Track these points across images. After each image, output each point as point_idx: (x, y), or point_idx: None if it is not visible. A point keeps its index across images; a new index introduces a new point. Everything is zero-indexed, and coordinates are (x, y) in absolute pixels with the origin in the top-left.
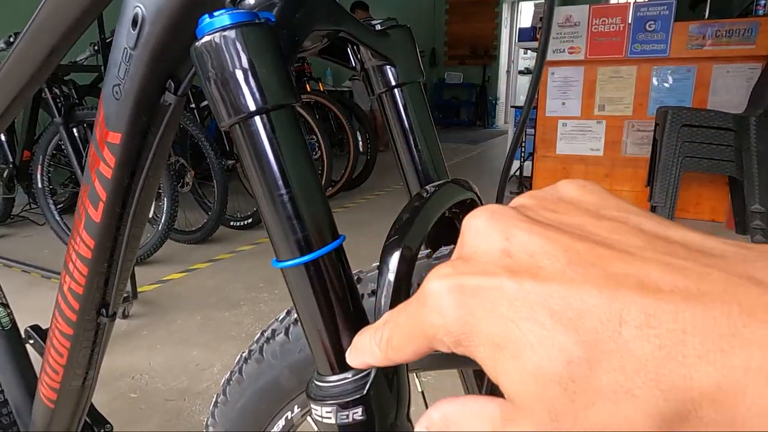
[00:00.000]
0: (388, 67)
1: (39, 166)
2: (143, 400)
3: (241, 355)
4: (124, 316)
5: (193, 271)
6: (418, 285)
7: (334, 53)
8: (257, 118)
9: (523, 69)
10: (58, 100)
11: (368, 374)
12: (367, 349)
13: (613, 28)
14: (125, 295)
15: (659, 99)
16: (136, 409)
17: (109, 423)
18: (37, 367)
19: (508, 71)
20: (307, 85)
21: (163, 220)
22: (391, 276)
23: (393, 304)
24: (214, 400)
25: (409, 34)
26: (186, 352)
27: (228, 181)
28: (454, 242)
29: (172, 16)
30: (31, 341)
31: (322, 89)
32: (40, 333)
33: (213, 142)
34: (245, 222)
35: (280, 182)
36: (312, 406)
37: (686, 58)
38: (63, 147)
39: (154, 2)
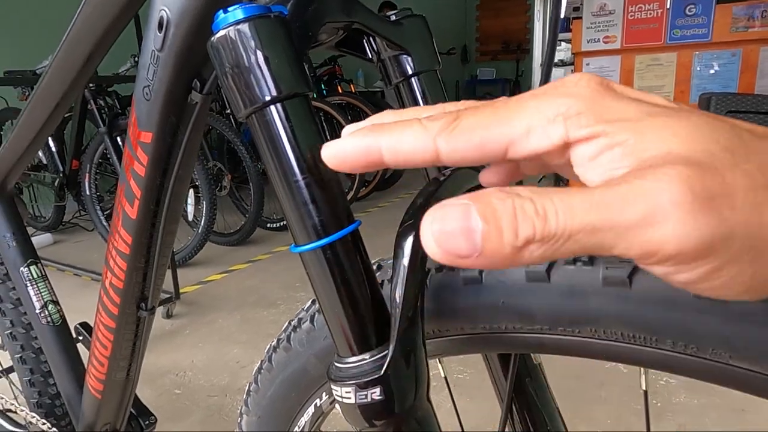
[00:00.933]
0: (403, 56)
1: (87, 175)
2: (187, 396)
3: (271, 345)
4: (168, 316)
5: (232, 272)
6: (439, 267)
7: (351, 45)
8: (271, 108)
9: (557, 61)
10: (102, 111)
11: (385, 355)
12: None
13: (650, 14)
14: (168, 296)
15: (702, 86)
16: (180, 405)
17: (153, 415)
18: (85, 362)
19: (542, 65)
20: (339, 87)
21: (202, 224)
22: (405, 260)
23: (407, 289)
24: (246, 388)
25: (423, 23)
26: (227, 350)
27: (264, 184)
28: None
29: (195, 16)
30: (81, 338)
31: (353, 90)
32: (89, 329)
33: (249, 146)
34: (281, 223)
35: (295, 169)
36: (332, 386)
37: (730, 42)
38: (108, 155)
39: (178, 4)
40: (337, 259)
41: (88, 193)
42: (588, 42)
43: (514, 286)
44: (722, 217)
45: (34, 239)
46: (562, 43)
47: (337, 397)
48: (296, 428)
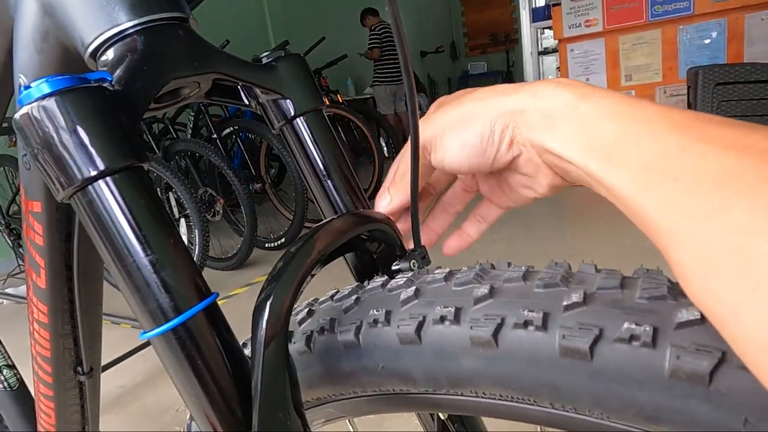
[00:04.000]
0: (282, 100)
1: None
2: None
3: (189, 414)
4: None
5: (231, 297)
6: (320, 330)
7: (223, 93)
8: (93, 186)
9: (541, 49)
10: None
11: None
12: None
13: None
14: None
15: (690, 60)
16: None
17: None
18: None
19: (532, 53)
20: (326, 99)
21: (196, 252)
22: (261, 338)
23: (267, 369)
24: (188, 414)
25: (300, 61)
26: None
27: (258, 203)
28: (380, 273)
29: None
30: None
31: (341, 100)
32: None
33: (237, 171)
34: (278, 242)
35: (130, 249)
36: None
37: (714, 12)
38: None
39: (32, 71)
40: (189, 342)
41: None
42: (570, 28)
43: (389, 349)
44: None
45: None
46: (545, 31)
47: None
48: None
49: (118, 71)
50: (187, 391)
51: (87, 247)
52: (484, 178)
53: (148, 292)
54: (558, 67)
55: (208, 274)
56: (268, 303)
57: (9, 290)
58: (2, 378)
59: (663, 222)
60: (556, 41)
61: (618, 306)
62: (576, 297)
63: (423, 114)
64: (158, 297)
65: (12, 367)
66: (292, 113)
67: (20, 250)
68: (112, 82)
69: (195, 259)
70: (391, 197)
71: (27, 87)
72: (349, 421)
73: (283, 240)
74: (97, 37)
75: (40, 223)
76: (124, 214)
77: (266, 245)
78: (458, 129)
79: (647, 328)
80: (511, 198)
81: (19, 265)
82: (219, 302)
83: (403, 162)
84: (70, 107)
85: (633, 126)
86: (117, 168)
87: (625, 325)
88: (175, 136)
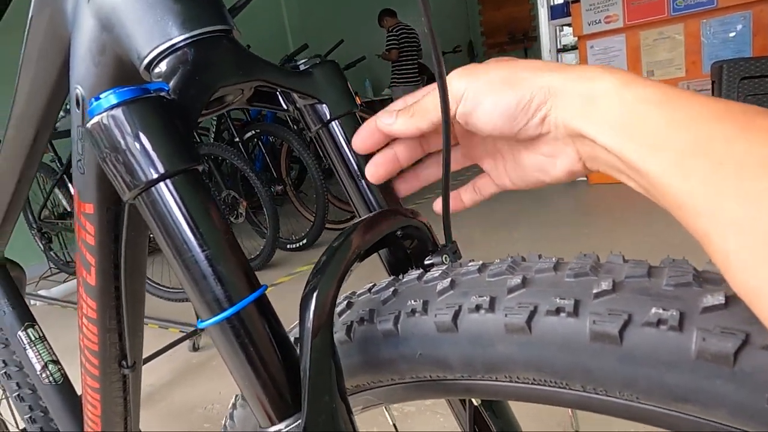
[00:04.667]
0: (318, 104)
1: None
2: (216, 429)
3: (231, 402)
4: (194, 349)
5: None
6: (359, 320)
7: (263, 99)
8: (155, 188)
9: (560, 47)
10: None
11: (299, 425)
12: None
13: None
14: (193, 329)
15: (714, 54)
16: None
17: None
18: None
19: (551, 51)
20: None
21: None
22: (309, 325)
23: (314, 354)
24: (231, 402)
25: (334, 68)
26: None
27: (279, 205)
28: (414, 267)
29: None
30: None
31: (359, 102)
32: None
33: (258, 172)
34: (300, 244)
35: (189, 244)
36: None
37: (738, 5)
38: None
39: (88, 82)
40: (243, 329)
41: None
42: (589, 24)
43: (426, 337)
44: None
45: (64, 286)
46: (564, 28)
47: None
48: None
49: (172, 81)
50: (240, 374)
51: (133, 248)
52: (491, 152)
53: (205, 284)
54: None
55: None
56: (315, 294)
57: (41, 292)
58: (48, 373)
59: (707, 206)
60: (576, 38)
61: (645, 293)
62: (605, 285)
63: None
64: (214, 289)
65: (57, 362)
66: (328, 117)
67: (51, 253)
68: (169, 92)
69: None
70: (395, 119)
71: (97, 98)
72: (385, 408)
73: (304, 241)
74: (152, 50)
75: (92, 224)
76: (182, 212)
77: (288, 246)
78: (500, 86)
79: (674, 313)
80: (516, 177)
81: (50, 268)
82: None
83: (428, 98)
84: (135, 116)
85: (675, 113)
86: (176, 171)
87: (653, 310)
88: (198, 140)
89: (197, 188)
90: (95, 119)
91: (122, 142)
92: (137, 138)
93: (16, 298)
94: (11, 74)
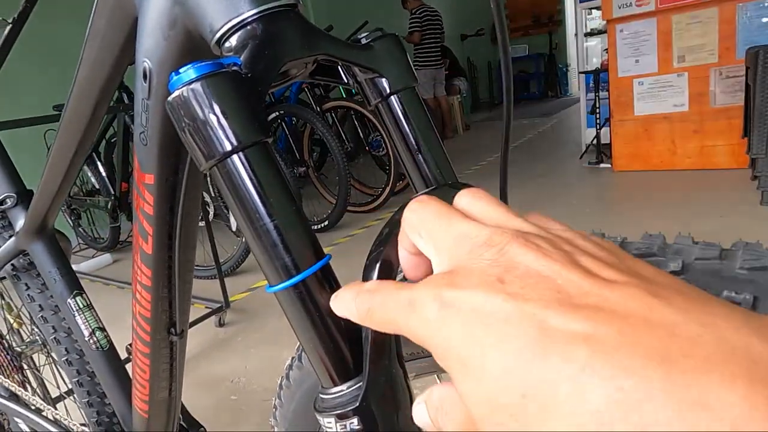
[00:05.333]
0: (378, 78)
1: None
2: (243, 402)
3: (287, 363)
4: (220, 325)
5: None
6: None
7: (325, 73)
8: (231, 159)
9: (587, 31)
10: None
11: (360, 386)
12: (348, 306)
13: None
14: (219, 305)
15: (749, 39)
16: (237, 410)
17: (203, 426)
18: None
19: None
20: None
21: None
22: None
23: None
24: (273, 403)
25: (395, 42)
26: (277, 354)
27: (301, 187)
28: None
29: (173, 65)
30: (131, 356)
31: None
32: None
33: (282, 153)
34: (322, 225)
35: (260, 213)
36: (317, 417)
37: None
38: None
39: (157, 56)
40: (308, 296)
41: None
42: (620, 8)
43: None
44: None
45: (94, 260)
46: (592, 11)
47: (323, 428)
48: None
49: (243, 56)
50: (305, 337)
51: (187, 219)
52: None
53: (274, 252)
54: (605, 49)
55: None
56: (378, 263)
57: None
58: (95, 339)
59: None
60: (604, 22)
61: (717, 275)
62: (674, 266)
63: (464, 97)
64: (283, 256)
65: (103, 329)
66: (388, 91)
67: (80, 229)
68: (241, 66)
69: (244, 240)
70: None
71: (177, 73)
72: (437, 377)
73: (326, 222)
74: (224, 24)
75: (151, 194)
76: (254, 183)
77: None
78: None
79: (747, 296)
80: None
81: (78, 243)
82: (265, 282)
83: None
84: (213, 90)
85: None
86: (249, 143)
87: (725, 293)
88: None
89: (269, 160)
90: (176, 93)
91: (201, 114)
92: (215, 111)
93: (65, 267)
94: (65, 53)
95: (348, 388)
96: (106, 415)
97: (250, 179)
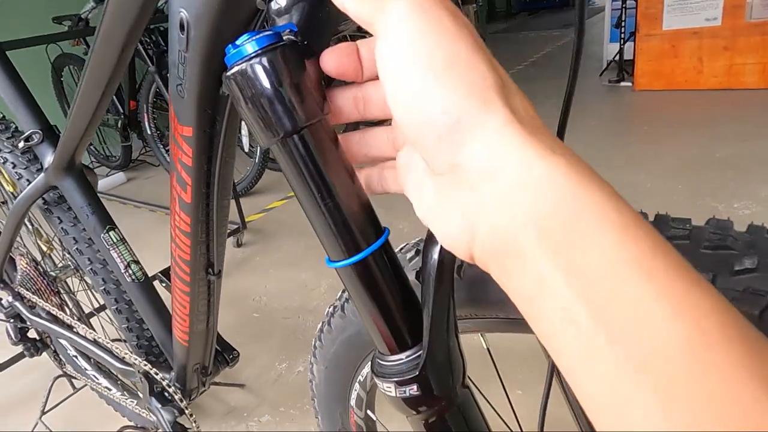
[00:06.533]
0: None
1: (145, 114)
2: (265, 319)
3: (328, 310)
4: (238, 245)
5: (291, 198)
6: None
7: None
8: (294, 137)
9: None
10: (148, 49)
11: (420, 356)
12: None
13: None
14: (236, 226)
15: None
16: (260, 327)
17: (236, 350)
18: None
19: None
20: None
21: (258, 153)
22: (432, 268)
23: (436, 293)
24: (312, 343)
25: None
26: (295, 274)
27: None
28: None
29: (213, 19)
30: (163, 284)
31: None
32: (168, 276)
33: None
34: None
35: (323, 191)
36: (376, 380)
37: None
38: (161, 93)
39: (195, 8)
40: (369, 272)
41: (149, 132)
42: None
43: None
44: None
45: (109, 179)
46: None
47: (381, 390)
48: (360, 377)
49: (296, 19)
50: (366, 310)
51: (224, 168)
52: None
53: (337, 229)
54: None
55: (267, 175)
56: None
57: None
58: (131, 272)
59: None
60: None
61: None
62: (749, 263)
63: (479, 6)
64: (343, 235)
65: (137, 262)
66: None
67: (91, 147)
68: (297, 33)
69: (257, 160)
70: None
71: (235, 46)
72: (481, 335)
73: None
74: None
75: (189, 146)
76: (314, 161)
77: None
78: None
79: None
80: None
81: (91, 162)
82: (280, 203)
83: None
84: (275, 66)
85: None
86: (310, 122)
87: None
88: None
89: (329, 137)
90: (237, 68)
91: (264, 91)
92: (279, 88)
93: (97, 204)
94: None
95: (407, 357)
96: (145, 339)
97: (311, 158)
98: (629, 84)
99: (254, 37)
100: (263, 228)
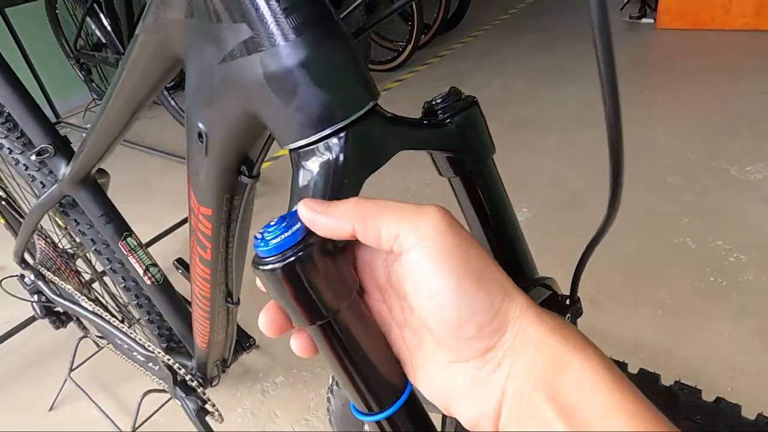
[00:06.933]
0: (453, 156)
1: None
2: None
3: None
4: None
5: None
6: None
7: None
8: (327, 322)
9: None
10: None
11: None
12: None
13: None
14: None
15: None
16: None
17: (252, 337)
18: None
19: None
20: None
21: None
22: None
23: None
24: (329, 378)
25: (475, 112)
26: None
27: None
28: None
29: (229, 133)
30: (180, 271)
31: None
32: (185, 264)
33: None
34: None
35: (355, 363)
36: None
37: None
38: None
39: (212, 125)
40: (394, 426)
41: None
42: None
43: None
44: None
45: None
46: None
47: None
48: None
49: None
50: None
51: (243, 231)
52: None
53: (365, 388)
54: None
55: None
56: None
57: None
58: (150, 275)
59: None
60: None
61: None
62: None
63: None
64: (371, 394)
65: (156, 265)
66: (464, 169)
67: (93, 84)
68: None
69: None
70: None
71: (265, 242)
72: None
73: None
74: (299, 142)
75: (209, 222)
76: (350, 340)
77: None
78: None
79: None
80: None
81: (93, 99)
82: (287, 151)
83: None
84: (304, 265)
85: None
86: (341, 306)
87: None
88: None
89: (361, 314)
90: (268, 266)
91: (296, 290)
92: (306, 289)
93: (113, 211)
94: None
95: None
96: (166, 329)
97: (349, 335)
98: (651, 21)
99: (283, 235)
100: (272, 178)
